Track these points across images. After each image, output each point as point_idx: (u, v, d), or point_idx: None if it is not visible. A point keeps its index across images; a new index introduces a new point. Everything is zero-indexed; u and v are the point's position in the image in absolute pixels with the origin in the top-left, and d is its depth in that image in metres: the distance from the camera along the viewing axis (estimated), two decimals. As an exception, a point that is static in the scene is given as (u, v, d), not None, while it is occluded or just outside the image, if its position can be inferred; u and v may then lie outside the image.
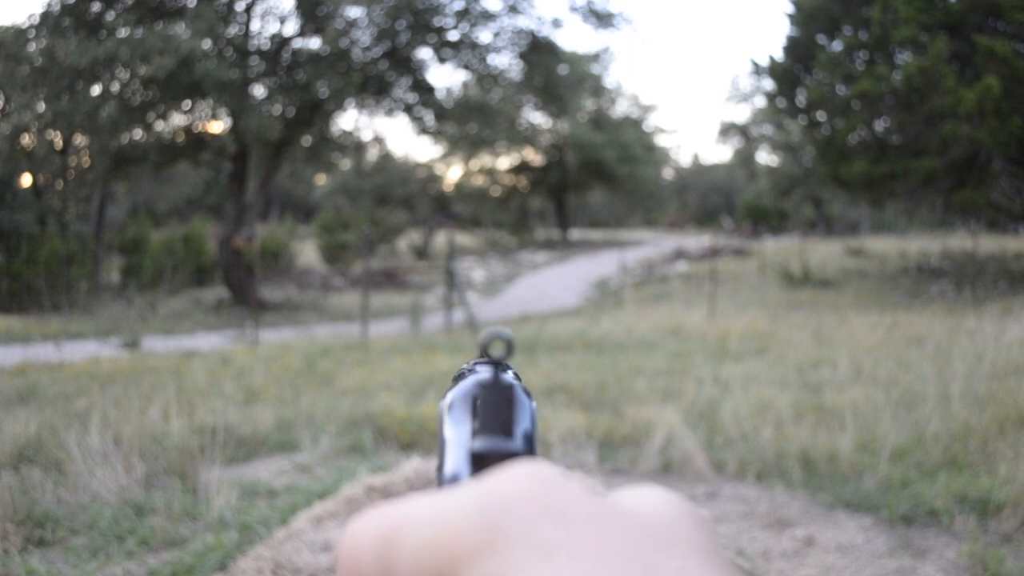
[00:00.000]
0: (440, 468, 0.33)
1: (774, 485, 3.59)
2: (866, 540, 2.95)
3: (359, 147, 20.43)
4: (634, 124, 38.15)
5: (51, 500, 3.25)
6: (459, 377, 0.37)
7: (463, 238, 32.75)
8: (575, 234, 40.51)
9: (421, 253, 30.37)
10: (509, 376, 0.34)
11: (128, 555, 2.79)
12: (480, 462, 0.30)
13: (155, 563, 2.70)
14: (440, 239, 31.52)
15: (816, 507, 3.31)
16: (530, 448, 0.32)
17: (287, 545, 2.46)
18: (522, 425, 0.32)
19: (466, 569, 0.21)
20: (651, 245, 32.21)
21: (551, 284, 21.34)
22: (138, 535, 2.93)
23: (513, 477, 0.23)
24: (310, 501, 3.05)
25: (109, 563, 2.70)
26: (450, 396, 0.34)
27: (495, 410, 0.32)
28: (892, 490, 3.36)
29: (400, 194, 35.83)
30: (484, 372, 0.34)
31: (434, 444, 4.34)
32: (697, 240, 31.31)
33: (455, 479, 0.30)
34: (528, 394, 0.34)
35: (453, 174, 39.33)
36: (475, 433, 0.32)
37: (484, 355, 0.32)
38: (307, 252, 25.75)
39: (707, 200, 55.09)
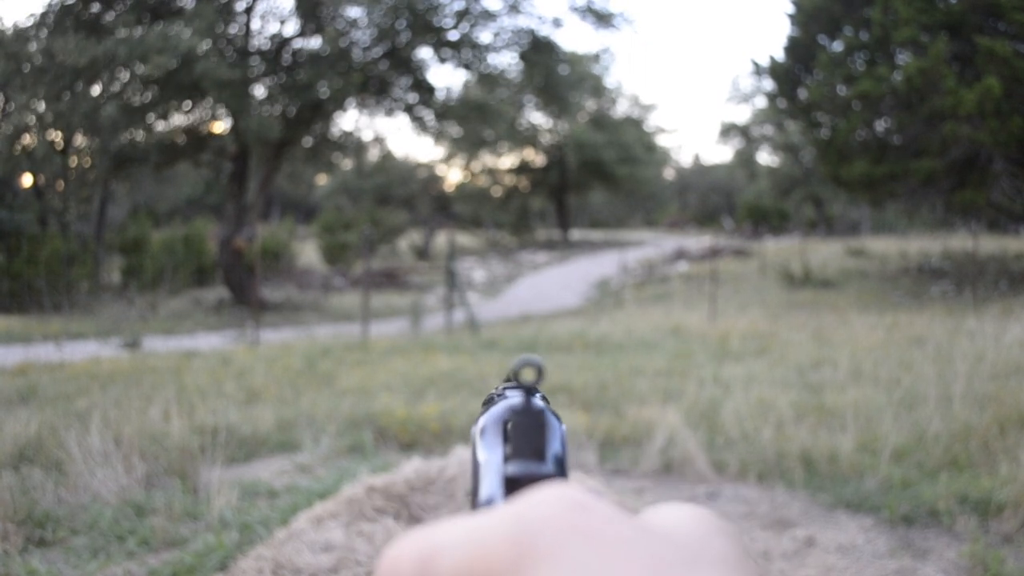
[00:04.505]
0: (474, 492, 0.33)
1: (775, 485, 3.59)
2: (867, 540, 2.95)
3: (359, 147, 20.44)
4: (634, 124, 38.16)
5: (51, 500, 3.24)
6: (489, 402, 0.38)
7: (464, 238, 32.75)
8: (576, 234, 40.51)
9: (422, 253, 30.37)
10: (538, 400, 0.35)
11: (128, 555, 2.79)
12: (513, 486, 0.31)
13: (155, 563, 2.70)
14: (441, 239, 31.52)
15: (817, 507, 3.31)
16: (562, 470, 0.33)
17: (287, 545, 2.46)
18: (553, 448, 0.33)
19: None
20: (652, 245, 32.21)
21: (551, 284, 21.34)
22: (138, 535, 2.92)
23: (543, 499, 0.23)
24: (311, 501, 3.05)
25: (109, 563, 2.70)
26: (482, 421, 0.35)
27: (527, 435, 0.32)
28: (893, 490, 3.36)
29: (401, 194, 35.83)
30: (516, 397, 0.35)
31: (434, 444, 4.34)
32: (697, 240, 31.31)
33: (490, 502, 0.31)
34: (558, 417, 0.35)
35: (454, 174, 39.37)
36: (508, 458, 0.32)
37: (515, 381, 0.33)
38: (307, 252, 25.75)
39: (708, 200, 55.08)
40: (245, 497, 3.38)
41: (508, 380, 0.41)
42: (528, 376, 0.32)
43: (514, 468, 0.31)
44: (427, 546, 0.24)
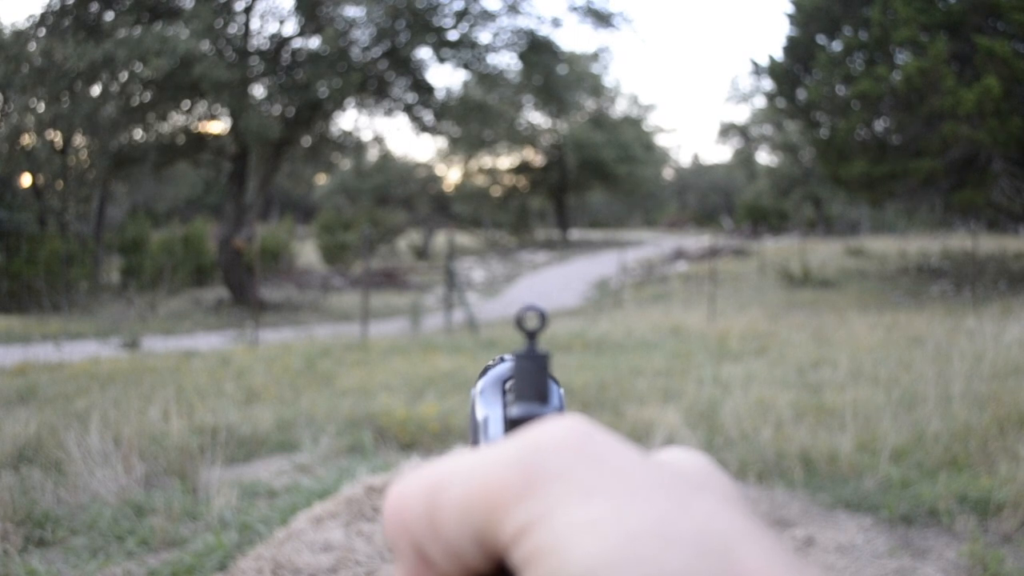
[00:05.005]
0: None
1: (774, 485, 3.59)
2: (866, 540, 2.95)
3: (359, 147, 20.43)
4: (633, 124, 38.16)
5: (51, 500, 3.24)
6: (486, 371, 0.38)
7: (463, 238, 32.75)
8: (575, 234, 40.52)
9: (421, 253, 30.36)
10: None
11: (128, 555, 2.79)
12: (516, 428, 0.31)
13: (155, 563, 2.70)
14: (440, 239, 31.52)
15: (816, 507, 3.31)
16: None
17: (287, 545, 2.46)
18: (553, 403, 0.33)
19: (507, 513, 0.22)
20: (651, 245, 32.21)
21: (551, 284, 21.34)
22: (138, 535, 2.92)
23: (550, 427, 0.24)
24: (310, 501, 3.05)
25: (109, 563, 2.70)
26: (480, 384, 0.36)
27: (531, 378, 0.32)
28: (892, 490, 3.37)
29: (400, 194, 35.81)
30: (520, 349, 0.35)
31: (433, 444, 4.34)
32: (697, 240, 31.32)
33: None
34: (556, 381, 0.35)
35: (453, 174, 39.37)
36: (511, 402, 0.33)
37: (520, 327, 0.33)
38: (307, 252, 25.74)
39: (707, 200, 55.09)
40: (245, 497, 3.38)
41: (517, 327, 0.41)
42: (532, 323, 0.33)
43: (518, 410, 0.32)
44: (435, 478, 0.24)
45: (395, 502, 0.25)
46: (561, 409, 0.34)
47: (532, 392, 0.32)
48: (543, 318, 0.33)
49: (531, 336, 0.33)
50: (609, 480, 0.22)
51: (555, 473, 0.22)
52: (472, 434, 0.35)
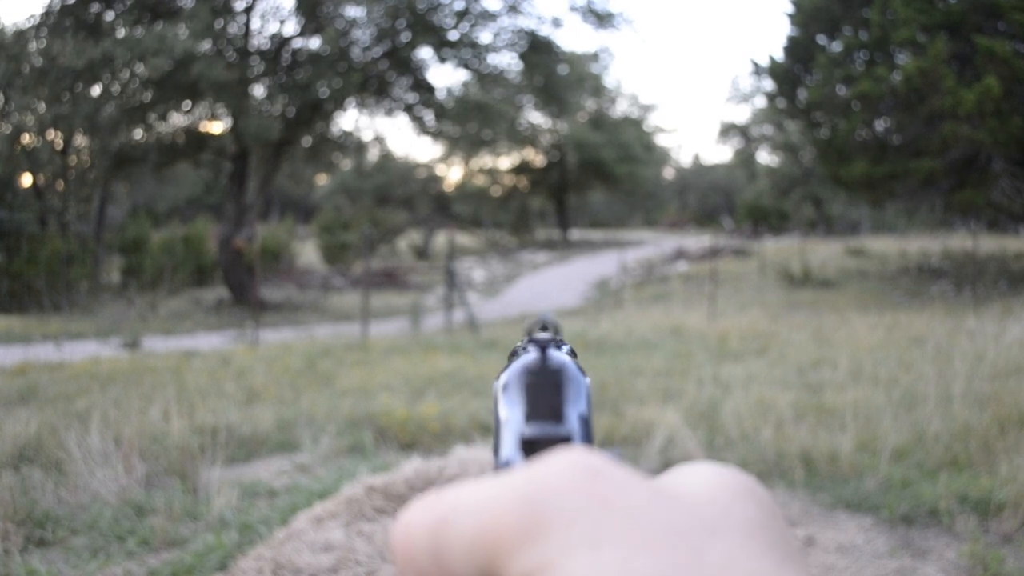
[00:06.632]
0: (496, 450, 0.33)
1: (775, 485, 3.59)
2: (866, 540, 2.95)
3: (359, 147, 20.45)
4: (634, 124, 38.17)
5: (51, 500, 3.24)
6: (514, 355, 0.37)
7: (463, 238, 32.75)
8: (575, 234, 40.51)
9: (421, 253, 30.36)
10: (561, 355, 0.34)
11: (128, 555, 2.79)
12: (531, 447, 0.31)
13: (155, 563, 2.71)
14: (440, 239, 31.52)
15: (816, 507, 3.31)
16: (586, 429, 0.32)
17: (287, 545, 2.46)
18: (576, 407, 0.32)
19: (511, 557, 0.21)
20: (651, 245, 32.20)
21: (551, 284, 21.34)
22: (138, 535, 2.93)
23: (557, 465, 0.23)
24: (310, 501, 3.05)
25: (109, 563, 2.70)
26: (504, 377, 0.35)
27: (543, 395, 0.32)
28: (892, 490, 3.36)
29: (400, 194, 35.81)
30: (531, 355, 0.34)
31: (434, 444, 4.34)
32: (697, 240, 31.31)
33: (508, 465, 0.30)
34: (582, 371, 0.34)
35: (453, 174, 39.38)
36: (526, 418, 0.32)
37: (531, 340, 0.32)
38: (307, 252, 25.74)
39: (707, 200, 55.07)
40: (245, 497, 3.38)
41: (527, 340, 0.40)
42: (542, 334, 0.32)
43: (530, 430, 0.31)
44: (441, 511, 0.24)
45: (402, 534, 0.24)
46: (589, 406, 0.33)
47: (545, 410, 0.31)
48: (556, 329, 0.32)
49: (543, 349, 0.32)
50: (617, 527, 0.21)
51: (561, 518, 0.21)
52: (495, 431, 0.34)
